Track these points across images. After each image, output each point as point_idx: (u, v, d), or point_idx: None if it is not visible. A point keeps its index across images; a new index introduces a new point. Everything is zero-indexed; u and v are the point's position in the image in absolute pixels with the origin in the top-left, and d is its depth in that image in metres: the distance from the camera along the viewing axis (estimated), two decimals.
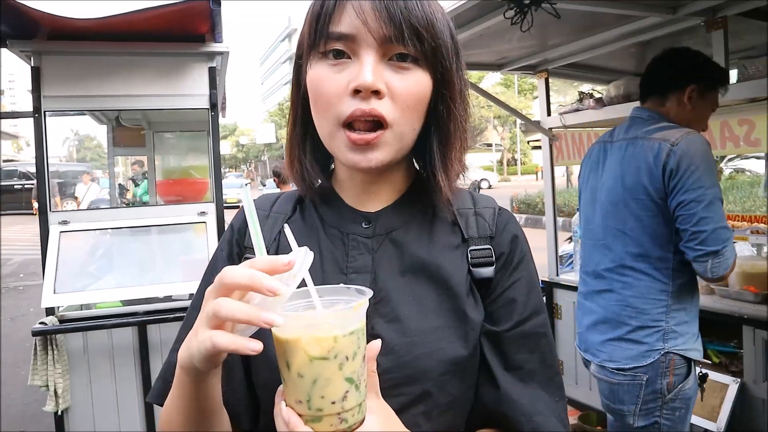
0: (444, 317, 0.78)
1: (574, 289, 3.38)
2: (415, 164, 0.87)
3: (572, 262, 5.14)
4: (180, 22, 2.61)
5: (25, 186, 18.20)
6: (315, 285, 0.65)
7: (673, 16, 2.36)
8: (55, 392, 2.47)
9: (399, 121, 0.73)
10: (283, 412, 0.62)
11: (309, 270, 0.62)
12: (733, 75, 2.56)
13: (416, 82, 0.74)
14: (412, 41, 0.71)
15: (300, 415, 0.61)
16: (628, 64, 3.52)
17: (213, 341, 0.58)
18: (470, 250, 0.83)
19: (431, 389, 0.75)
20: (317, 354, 0.59)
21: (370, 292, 0.63)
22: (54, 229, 2.62)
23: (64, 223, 2.66)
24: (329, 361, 0.59)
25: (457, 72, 0.78)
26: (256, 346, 0.58)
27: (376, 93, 0.71)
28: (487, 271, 0.82)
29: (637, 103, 2.07)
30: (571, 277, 3.54)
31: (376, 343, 0.68)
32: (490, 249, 0.83)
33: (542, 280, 3.68)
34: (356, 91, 0.71)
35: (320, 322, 0.61)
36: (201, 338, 0.59)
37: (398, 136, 0.74)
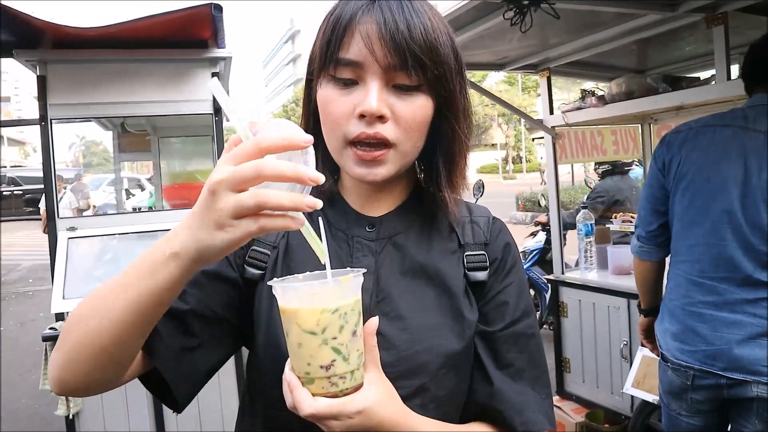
0: (442, 315, 0.84)
1: (579, 287, 3.40)
2: (417, 173, 0.93)
3: (534, 258, 5.19)
4: (182, 28, 2.63)
5: (15, 192, 17.99)
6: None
7: (672, 13, 2.36)
8: (66, 396, 2.50)
9: (402, 141, 0.79)
10: (286, 374, 0.69)
11: (312, 268, 0.71)
12: (735, 70, 2.56)
13: (419, 107, 0.78)
14: (415, 70, 0.75)
15: (298, 377, 0.68)
16: (629, 62, 3.52)
17: (261, 227, 0.58)
18: (466, 255, 0.89)
19: (429, 382, 0.80)
20: (306, 324, 0.65)
21: (362, 270, 0.69)
22: (62, 235, 2.65)
23: (72, 229, 2.69)
24: (317, 331, 0.65)
25: (460, 92, 0.82)
26: (301, 219, 0.60)
27: (380, 117, 0.76)
28: (481, 275, 0.88)
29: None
30: (576, 275, 3.54)
31: (374, 320, 0.72)
32: (484, 255, 0.89)
33: (547, 279, 3.68)
34: (362, 116, 0.76)
35: (310, 294, 0.66)
36: (237, 229, 0.58)
37: (402, 153, 0.80)
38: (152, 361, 0.79)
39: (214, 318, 0.83)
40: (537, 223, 5.62)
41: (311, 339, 0.65)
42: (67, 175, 13.14)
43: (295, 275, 0.73)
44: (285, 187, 0.59)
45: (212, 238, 0.59)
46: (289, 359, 0.70)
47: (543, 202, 5.54)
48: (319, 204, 0.58)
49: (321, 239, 0.68)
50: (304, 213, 0.61)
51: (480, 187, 4.30)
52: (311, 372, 0.66)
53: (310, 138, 0.59)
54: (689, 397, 1.80)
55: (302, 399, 0.66)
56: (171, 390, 0.80)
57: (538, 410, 0.85)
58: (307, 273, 0.73)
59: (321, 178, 0.57)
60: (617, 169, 4.76)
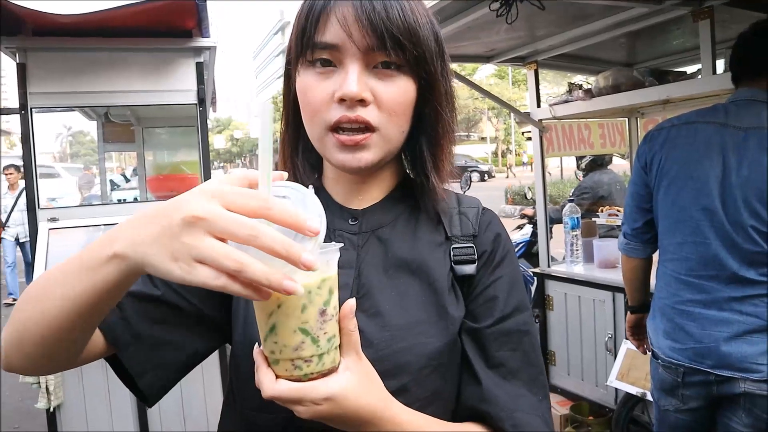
0: (425, 312, 0.80)
1: (565, 280, 3.41)
2: (405, 164, 0.89)
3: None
4: (166, 17, 2.59)
5: None
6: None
7: (659, 6, 2.36)
8: (47, 389, 2.47)
9: (386, 125, 0.76)
10: (255, 351, 0.66)
11: None
12: (720, 65, 2.56)
13: (401, 89, 0.76)
14: (395, 50, 0.73)
15: (266, 357, 0.65)
16: (617, 55, 3.52)
17: (225, 287, 0.52)
18: (452, 248, 0.85)
19: (410, 383, 0.76)
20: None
21: (335, 246, 0.63)
22: (42, 227, 2.61)
23: (53, 220, 2.65)
24: (275, 309, 0.61)
25: (442, 75, 0.80)
26: (266, 294, 0.55)
27: (361, 101, 0.73)
28: (469, 269, 0.83)
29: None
30: (561, 268, 3.55)
31: (351, 302, 0.66)
32: (472, 247, 0.85)
33: (533, 272, 3.69)
34: (342, 100, 0.73)
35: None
36: (197, 275, 0.52)
37: (386, 138, 0.77)
38: (115, 351, 0.75)
39: (188, 308, 0.79)
40: (523, 216, 5.61)
41: (273, 316, 0.61)
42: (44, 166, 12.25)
43: None
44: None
45: (162, 263, 0.53)
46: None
47: (530, 195, 5.55)
48: (299, 291, 0.53)
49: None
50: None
51: (467, 180, 4.29)
52: (275, 351, 0.63)
53: (317, 229, 0.54)
54: (680, 394, 1.80)
55: (263, 380, 0.63)
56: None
57: (533, 412, 0.79)
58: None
59: (315, 266, 0.53)
60: (600, 162, 4.77)
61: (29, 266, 7.44)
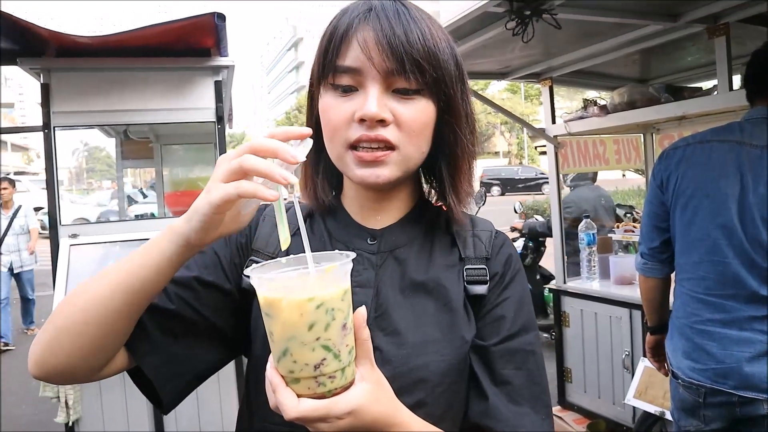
0: (440, 331, 0.82)
1: (581, 296, 3.39)
2: (423, 184, 0.92)
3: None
4: (186, 37, 2.65)
5: None
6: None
7: (674, 24, 2.37)
8: (66, 403, 2.50)
9: (406, 145, 0.78)
10: (268, 373, 0.65)
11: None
12: (737, 81, 2.56)
13: (420, 110, 0.78)
14: (414, 74, 0.75)
15: (282, 376, 0.63)
16: (632, 71, 3.53)
17: (237, 187, 0.62)
18: (466, 269, 0.87)
19: (425, 399, 0.79)
20: (284, 317, 0.60)
21: (351, 255, 0.65)
22: (64, 243, 2.66)
23: (74, 236, 2.70)
24: (299, 326, 0.60)
25: (461, 98, 0.82)
26: (275, 192, 0.62)
27: (381, 122, 0.76)
28: (481, 289, 0.86)
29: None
30: (577, 284, 3.53)
31: (362, 311, 0.68)
32: (485, 269, 0.87)
33: (549, 288, 3.67)
34: (362, 120, 0.76)
35: (288, 286, 0.61)
36: (218, 190, 0.63)
37: (405, 157, 0.79)
38: (134, 358, 0.78)
39: (202, 322, 0.82)
40: (513, 229, 5.59)
41: (296, 337, 0.60)
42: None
43: (278, 259, 0.69)
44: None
45: (198, 203, 0.65)
46: (271, 355, 0.65)
47: (519, 209, 5.55)
48: (293, 179, 0.62)
49: (303, 237, 0.65)
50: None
51: (482, 196, 4.29)
52: (296, 370, 0.61)
53: (309, 130, 0.66)
54: (701, 414, 1.76)
55: (286, 401, 0.62)
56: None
57: (535, 430, 0.81)
58: (291, 257, 0.68)
59: (292, 179, 0.62)
60: (586, 177, 4.75)
61: (26, 301, 6.67)
